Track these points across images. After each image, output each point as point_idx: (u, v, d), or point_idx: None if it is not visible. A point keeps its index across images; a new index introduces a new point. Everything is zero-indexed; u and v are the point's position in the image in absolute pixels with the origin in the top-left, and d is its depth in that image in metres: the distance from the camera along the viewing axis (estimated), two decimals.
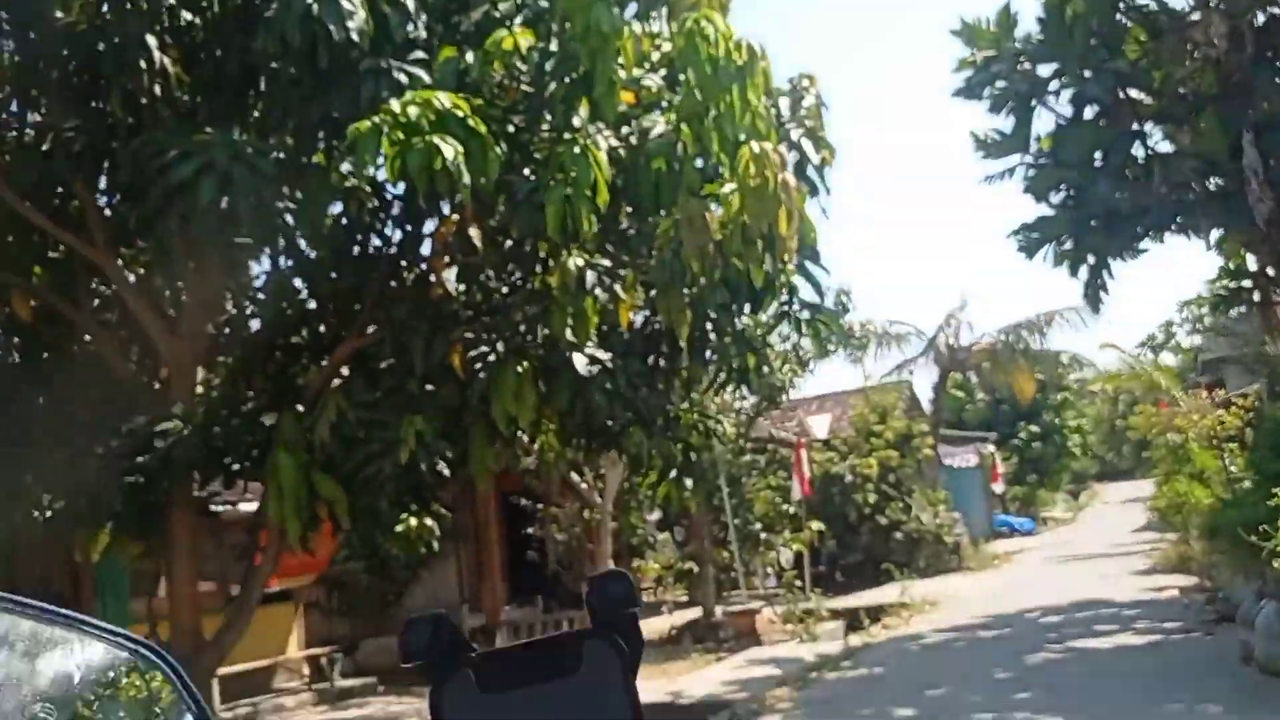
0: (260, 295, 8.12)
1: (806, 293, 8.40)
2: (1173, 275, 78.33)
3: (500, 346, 6.74)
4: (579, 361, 7.02)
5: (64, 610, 0.79)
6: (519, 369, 6.55)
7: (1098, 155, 11.55)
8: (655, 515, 17.55)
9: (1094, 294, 12.41)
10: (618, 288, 6.39)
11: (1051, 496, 48.88)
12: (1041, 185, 12.42)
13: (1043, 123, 12.46)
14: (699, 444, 9.75)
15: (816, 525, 18.89)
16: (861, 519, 22.53)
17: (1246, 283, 14.91)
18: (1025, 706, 7.80)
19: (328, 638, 18.37)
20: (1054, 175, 11.97)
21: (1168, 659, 9.28)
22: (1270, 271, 13.05)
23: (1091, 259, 12.45)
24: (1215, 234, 13.17)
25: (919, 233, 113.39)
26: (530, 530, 17.36)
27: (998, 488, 37.57)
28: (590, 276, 6.27)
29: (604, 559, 14.46)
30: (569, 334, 6.72)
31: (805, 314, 8.46)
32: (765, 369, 9.44)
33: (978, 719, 7.47)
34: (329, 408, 6.75)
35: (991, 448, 38.07)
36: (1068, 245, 12.91)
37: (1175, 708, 7.12)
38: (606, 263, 6.41)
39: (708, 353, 8.54)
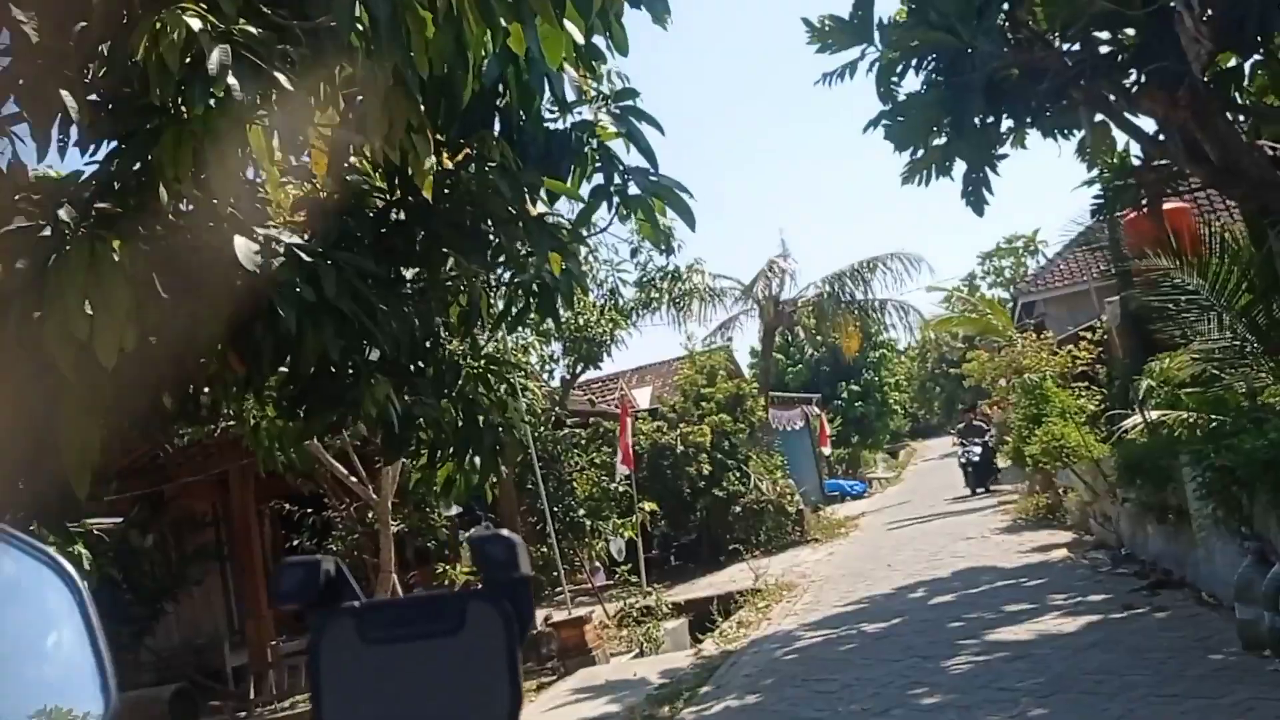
0: None
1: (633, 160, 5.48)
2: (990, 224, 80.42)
3: (64, 215, 3.46)
4: (241, 248, 3.83)
5: None
6: (93, 250, 3.32)
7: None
8: (456, 510, 14.39)
9: (976, 191, 10.00)
10: (282, 78, 3.23)
11: (873, 456, 48.27)
12: (898, 60, 9.83)
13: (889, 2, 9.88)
14: (495, 404, 6.69)
15: (648, 506, 16.16)
16: (697, 493, 19.97)
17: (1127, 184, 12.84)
18: None
19: None
20: (918, 40, 9.38)
21: (1138, 652, 6.87)
22: (1160, 163, 10.95)
23: (964, 151, 10.00)
24: (1095, 121, 10.97)
25: (738, 174, 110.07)
26: (295, 543, 13.91)
27: (826, 450, 36.06)
28: (217, 57, 3.09)
29: (386, 572, 11.21)
30: (197, 186, 3.54)
31: (634, 190, 5.49)
32: (577, 288, 6.34)
33: None
34: None
35: (817, 409, 36.53)
36: (926, 148, 10.45)
37: None
38: (255, 30, 3.24)
39: (487, 252, 5.47)
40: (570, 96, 5.18)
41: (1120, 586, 9.38)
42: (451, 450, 6.21)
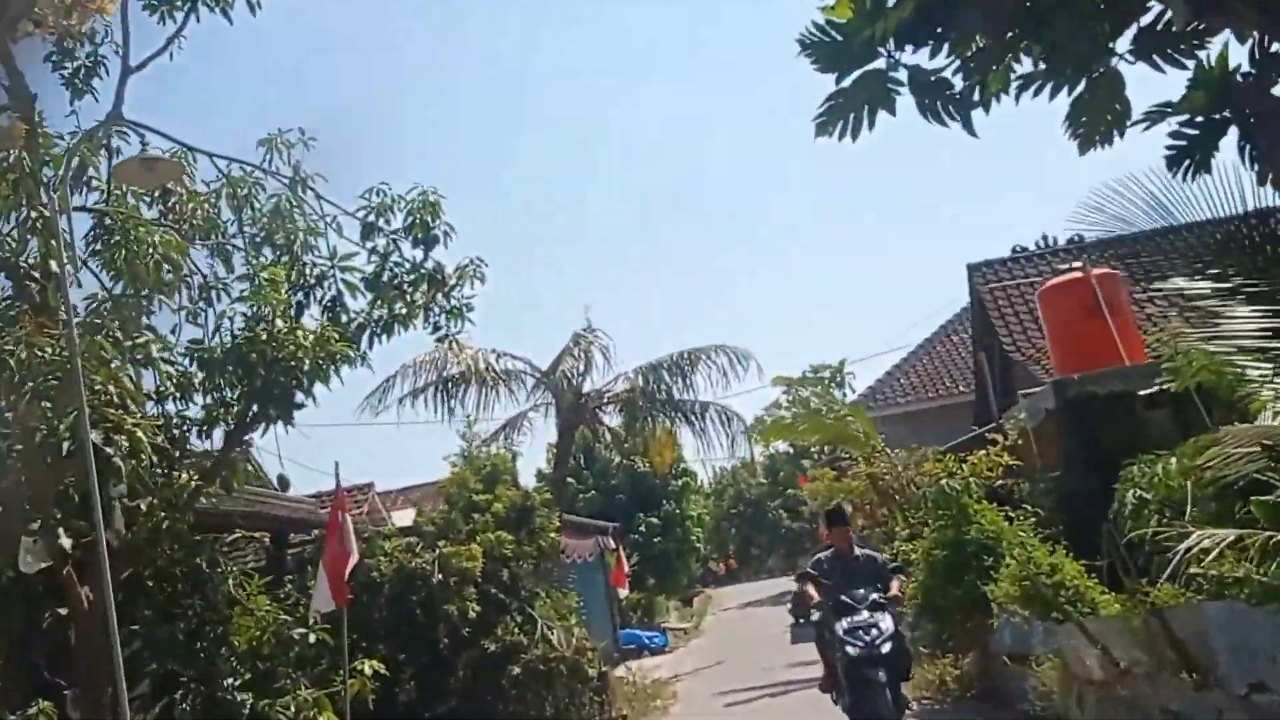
0: None
1: None
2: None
3: None
4: None
5: None
6: None
7: None
8: None
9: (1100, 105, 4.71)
10: None
11: (667, 604, 42.46)
12: None
13: None
14: None
15: (370, 666, 9.66)
16: (460, 644, 13.63)
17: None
18: None
19: None
20: None
21: None
22: None
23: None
24: None
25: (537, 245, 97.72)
26: None
27: (622, 592, 30.00)
28: None
29: None
30: None
31: None
32: None
33: None
34: None
35: (613, 542, 30.53)
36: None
37: None
38: None
39: None
40: None
41: None
42: None
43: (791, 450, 45.85)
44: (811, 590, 9.76)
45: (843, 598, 9.31)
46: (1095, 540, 9.76)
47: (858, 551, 10.11)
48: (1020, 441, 13.52)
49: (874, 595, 9.26)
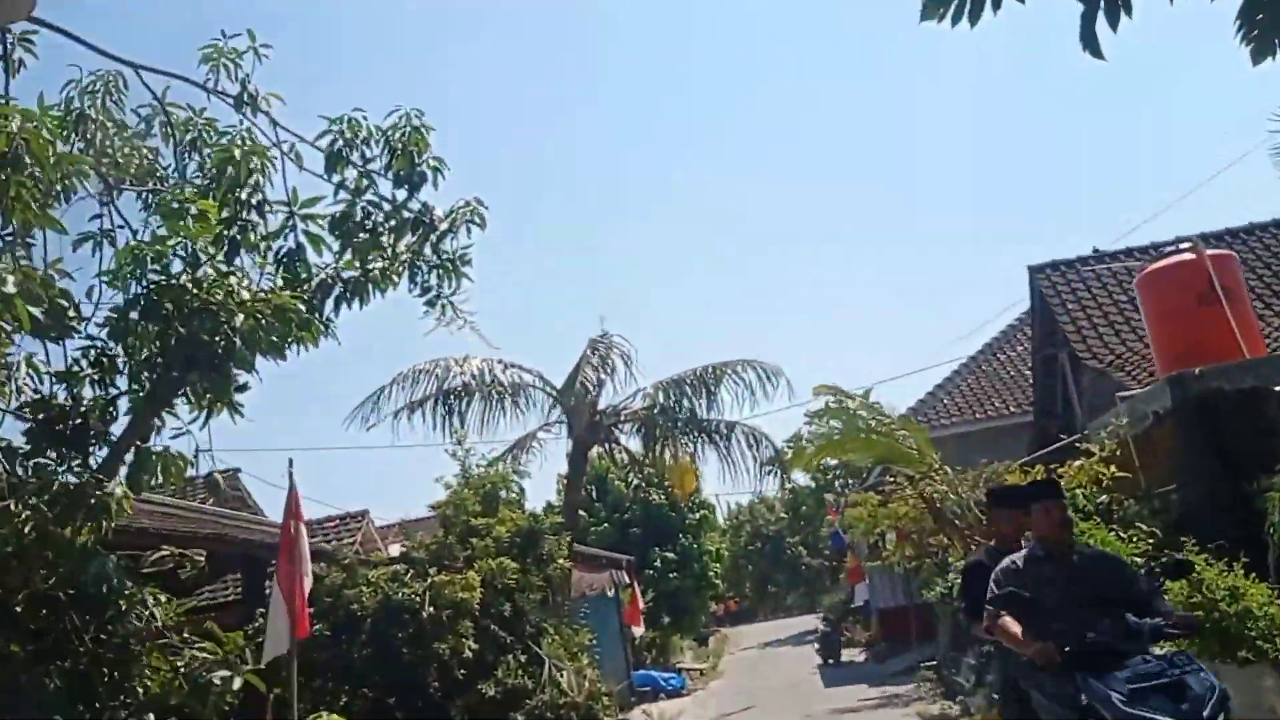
0: None
1: None
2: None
3: None
4: None
5: None
6: None
7: None
8: None
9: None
10: None
11: (682, 643, 40.06)
12: None
13: None
14: None
15: (332, 719, 7.62)
16: (453, 686, 11.64)
17: None
18: None
19: None
20: None
21: None
22: None
23: None
24: None
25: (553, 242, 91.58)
26: None
27: (637, 630, 27.81)
28: None
29: None
30: None
31: None
32: None
33: None
34: None
35: (627, 577, 28.36)
36: None
37: None
38: None
39: None
40: None
41: None
42: None
43: (814, 484, 43.53)
44: (1012, 624, 5.35)
45: (1089, 636, 5.04)
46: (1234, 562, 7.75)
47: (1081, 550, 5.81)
48: (1119, 452, 11.46)
49: (1152, 623, 5.12)
